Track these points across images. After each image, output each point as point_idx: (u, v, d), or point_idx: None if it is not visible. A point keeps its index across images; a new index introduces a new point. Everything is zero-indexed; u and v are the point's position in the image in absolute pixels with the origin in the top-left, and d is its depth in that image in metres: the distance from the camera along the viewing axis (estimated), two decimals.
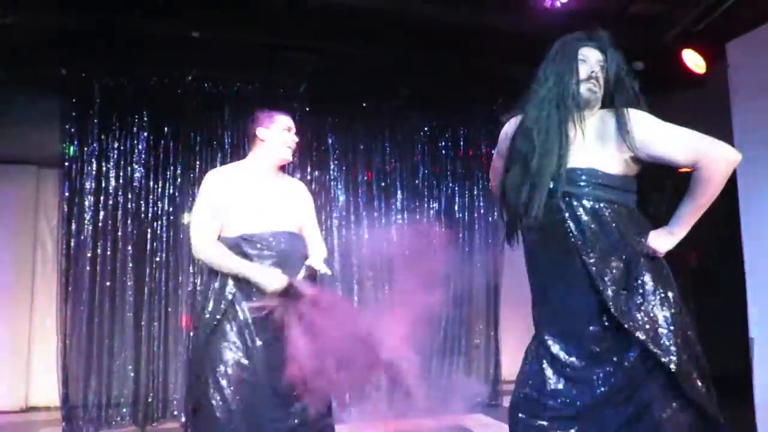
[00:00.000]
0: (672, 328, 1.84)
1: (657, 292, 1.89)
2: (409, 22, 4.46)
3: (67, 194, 4.71)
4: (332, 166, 5.35)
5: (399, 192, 5.45)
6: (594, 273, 1.86)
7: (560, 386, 1.92)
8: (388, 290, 4.88)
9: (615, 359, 1.86)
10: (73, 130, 4.75)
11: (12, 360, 5.01)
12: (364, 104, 5.43)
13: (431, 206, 5.55)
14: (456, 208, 5.61)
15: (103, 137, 4.83)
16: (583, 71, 1.99)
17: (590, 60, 2.02)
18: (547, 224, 1.93)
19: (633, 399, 1.82)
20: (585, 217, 1.91)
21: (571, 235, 1.90)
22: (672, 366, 1.79)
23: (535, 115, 1.98)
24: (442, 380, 5.35)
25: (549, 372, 1.95)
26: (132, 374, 4.73)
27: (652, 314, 1.85)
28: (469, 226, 5.57)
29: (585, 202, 1.92)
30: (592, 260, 1.88)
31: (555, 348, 1.96)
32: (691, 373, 1.83)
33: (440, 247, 5.28)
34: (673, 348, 1.82)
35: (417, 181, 5.53)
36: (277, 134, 2.84)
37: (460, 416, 5.05)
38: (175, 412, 4.83)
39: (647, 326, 1.83)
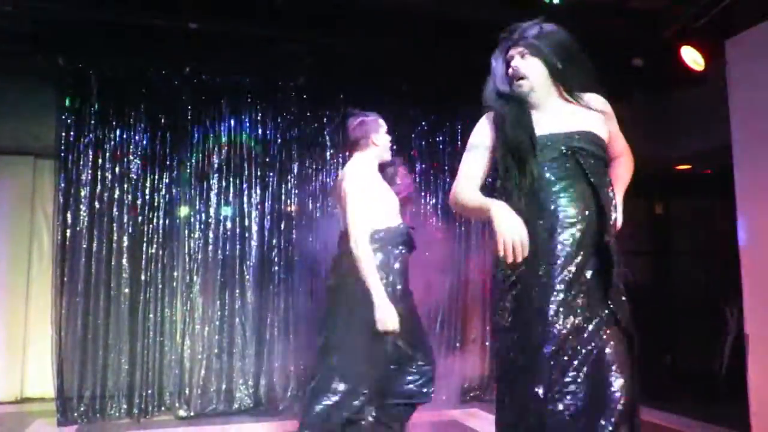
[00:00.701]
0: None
1: None
2: (408, 16, 4.45)
3: (63, 185, 4.69)
4: (330, 160, 5.34)
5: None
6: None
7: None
8: None
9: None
10: (69, 120, 4.73)
11: (7, 351, 5.00)
12: (362, 98, 5.41)
13: (429, 200, 5.55)
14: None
15: (99, 128, 4.81)
16: (504, 73, 2.14)
17: (513, 59, 2.12)
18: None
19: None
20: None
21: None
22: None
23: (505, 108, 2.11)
24: (438, 373, 5.36)
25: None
26: (127, 366, 4.72)
27: None
28: (466, 221, 5.58)
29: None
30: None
31: None
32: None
33: (437, 241, 5.32)
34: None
35: (414, 175, 5.52)
36: (385, 138, 3.21)
37: (454, 410, 5.07)
38: (170, 405, 4.83)
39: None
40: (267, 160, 5.20)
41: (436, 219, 5.54)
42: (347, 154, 3.39)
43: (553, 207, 1.97)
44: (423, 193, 5.55)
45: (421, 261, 5.13)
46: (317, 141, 5.34)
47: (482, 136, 2.16)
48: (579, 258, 1.95)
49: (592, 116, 2.08)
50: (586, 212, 1.97)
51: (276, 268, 5.11)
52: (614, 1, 4.28)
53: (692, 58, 4.54)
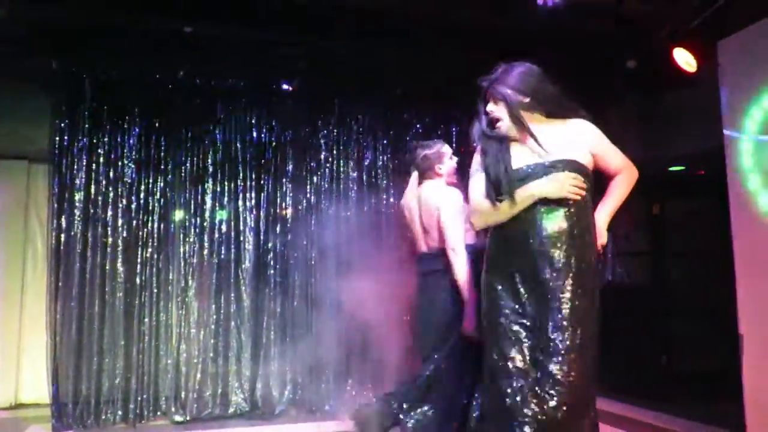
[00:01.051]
0: None
1: None
2: (403, 19, 4.46)
3: (57, 189, 4.68)
4: (325, 163, 5.34)
5: (392, 188, 5.45)
6: None
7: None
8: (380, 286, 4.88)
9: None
10: (63, 124, 4.72)
11: (1, 356, 4.98)
12: (357, 101, 5.42)
13: None
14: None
15: (93, 132, 4.80)
16: (484, 117, 2.48)
17: (488, 104, 2.45)
18: None
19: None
20: None
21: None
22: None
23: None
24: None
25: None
26: (122, 371, 4.70)
27: None
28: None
29: None
30: None
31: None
32: None
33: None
34: None
35: (410, 177, 5.52)
36: (449, 165, 3.53)
37: None
38: (165, 409, 4.81)
39: None
40: (262, 163, 5.20)
41: None
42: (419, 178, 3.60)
43: (535, 226, 2.28)
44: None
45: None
46: (312, 144, 5.34)
47: (477, 164, 2.48)
48: (557, 273, 2.24)
49: (577, 143, 2.36)
50: (564, 231, 2.26)
51: (271, 271, 5.11)
52: (607, 4, 4.29)
53: (685, 59, 4.55)
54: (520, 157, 2.35)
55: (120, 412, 4.68)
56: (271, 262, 5.12)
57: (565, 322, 2.21)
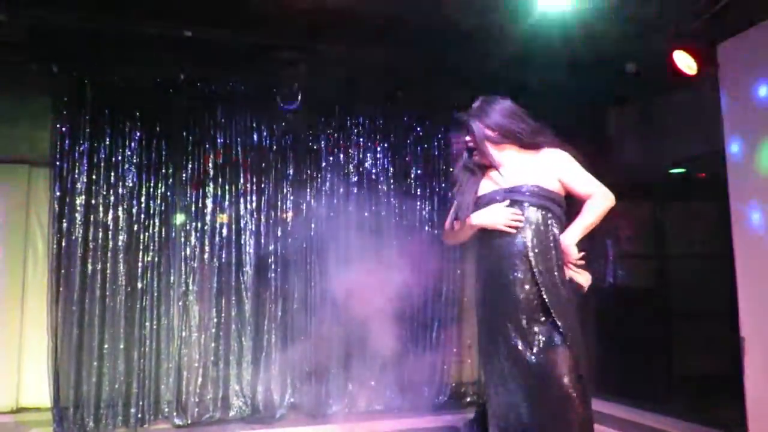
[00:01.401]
0: None
1: None
2: (402, 24, 4.46)
3: (58, 193, 4.68)
4: (325, 166, 5.34)
5: (391, 192, 5.45)
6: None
7: None
8: (383, 290, 4.89)
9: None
10: (64, 129, 4.73)
11: (3, 360, 4.98)
12: (357, 105, 5.43)
13: (423, 206, 5.55)
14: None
15: (94, 136, 4.80)
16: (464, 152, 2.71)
17: (467, 136, 2.67)
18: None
19: None
20: None
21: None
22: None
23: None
24: (435, 379, 5.37)
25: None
26: (123, 375, 4.70)
27: None
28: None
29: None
30: None
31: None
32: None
33: (431, 247, 5.33)
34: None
35: (410, 181, 5.53)
36: None
37: (451, 415, 5.07)
38: (166, 413, 4.81)
39: None
40: (262, 166, 5.20)
41: (432, 224, 5.54)
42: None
43: (497, 245, 2.52)
44: (418, 199, 5.56)
45: (418, 265, 5.19)
46: (312, 148, 5.34)
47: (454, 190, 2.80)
48: (517, 286, 2.45)
49: (545, 170, 2.54)
50: (526, 248, 2.46)
51: (272, 274, 5.11)
52: (607, 8, 4.29)
53: (685, 62, 4.55)
54: (487, 184, 2.65)
55: (121, 416, 4.68)
56: (272, 266, 5.12)
57: None
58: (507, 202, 2.52)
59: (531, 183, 2.52)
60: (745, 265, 3.90)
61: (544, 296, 2.40)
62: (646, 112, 5.73)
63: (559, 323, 2.38)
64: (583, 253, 2.50)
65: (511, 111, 2.62)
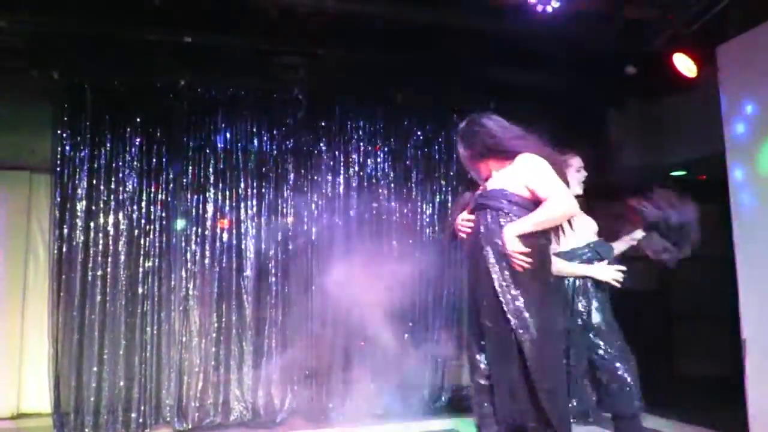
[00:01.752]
0: None
1: None
2: (402, 27, 4.47)
3: (58, 199, 4.69)
4: (326, 171, 5.34)
5: (393, 196, 5.45)
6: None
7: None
8: (384, 294, 4.88)
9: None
10: (65, 135, 4.74)
11: (3, 366, 4.97)
12: (358, 109, 5.44)
13: (425, 210, 5.55)
14: (449, 212, 5.61)
15: (95, 142, 4.81)
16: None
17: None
18: None
19: None
20: None
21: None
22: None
23: None
24: (435, 382, 5.36)
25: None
26: (124, 380, 4.70)
27: None
28: None
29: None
30: None
31: None
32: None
33: (432, 252, 5.33)
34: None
35: (411, 185, 5.53)
36: (575, 177, 3.49)
37: (450, 419, 5.06)
38: (167, 418, 4.81)
39: None
40: (263, 171, 5.21)
41: (432, 227, 5.54)
42: None
43: (470, 250, 2.77)
44: (419, 203, 5.56)
45: (419, 269, 5.20)
46: (313, 152, 5.35)
47: None
48: (481, 288, 2.62)
49: (515, 178, 2.67)
50: (483, 249, 2.63)
51: (273, 279, 5.11)
52: (607, 10, 4.30)
53: (685, 65, 4.56)
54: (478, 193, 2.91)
55: (122, 421, 4.67)
56: (273, 270, 5.11)
57: None
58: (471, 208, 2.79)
59: (498, 188, 2.70)
60: (746, 267, 3.90)
61: (500, 298, 2.52)
62: (647, 114, 5.73)
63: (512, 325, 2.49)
64: (524, 250, 2.53)
65: (487, 131, 2.80)
